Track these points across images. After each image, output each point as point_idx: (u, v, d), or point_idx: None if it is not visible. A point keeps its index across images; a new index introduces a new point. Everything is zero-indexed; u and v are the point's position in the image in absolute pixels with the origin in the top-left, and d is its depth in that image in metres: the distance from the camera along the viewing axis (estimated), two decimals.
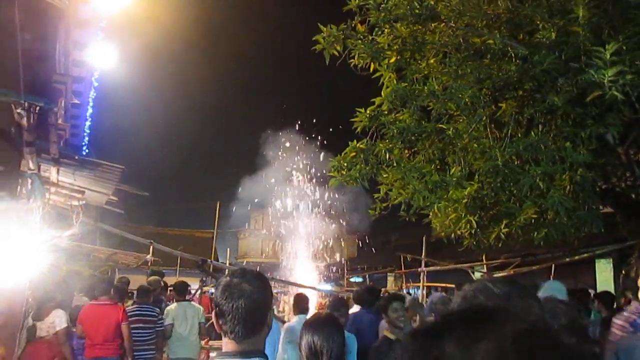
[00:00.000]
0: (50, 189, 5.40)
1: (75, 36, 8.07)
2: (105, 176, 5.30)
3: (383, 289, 19.20)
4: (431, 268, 12.83)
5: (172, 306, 8.73)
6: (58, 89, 7.08)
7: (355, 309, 7.82)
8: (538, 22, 6.16)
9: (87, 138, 11.96)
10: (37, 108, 3.24)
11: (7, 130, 3.26)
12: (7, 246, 3.48)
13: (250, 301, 1.98)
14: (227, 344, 2.02)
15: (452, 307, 1.71)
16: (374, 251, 23.37)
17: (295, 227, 21.42)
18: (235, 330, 1.98)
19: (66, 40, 7.70)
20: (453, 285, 13.45)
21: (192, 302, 9.29)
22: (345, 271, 20.57)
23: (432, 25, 6.59)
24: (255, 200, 23.64)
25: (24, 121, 3.41)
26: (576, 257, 9.34)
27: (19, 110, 3.20)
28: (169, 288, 12.60)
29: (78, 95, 10.90)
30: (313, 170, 21.45)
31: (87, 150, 11.77)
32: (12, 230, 3.40)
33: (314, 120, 21.65)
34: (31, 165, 4.15)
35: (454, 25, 6.49)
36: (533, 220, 6.56)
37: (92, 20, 8.13)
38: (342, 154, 6.84)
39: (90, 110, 11.19)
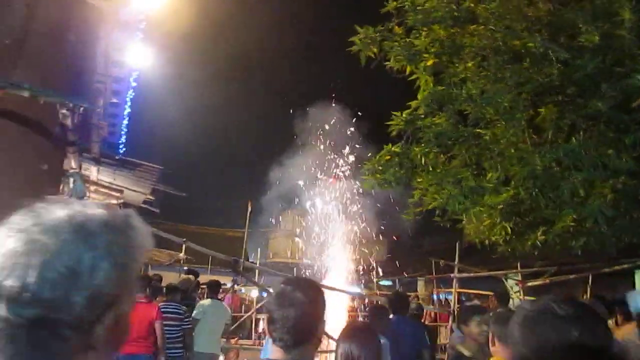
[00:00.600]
0: (90, 188, 5.50)
1: (115, 37, 8.23)
2: (144, 176, 5.38)
3: (413, 294, 19.04)
4: (464, 275, 12.64)
5: (206, 301, 8.81)
6: (98, 89, 7.23)
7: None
8: (580, 26, 6.00)
9: (124, 136, 12.19)
10: (81, 109, 3.31)
11: (51, 129, 3.35)
12: None
13: (301, 311, 1.96)
14: (275, 352, 2.01)
15: (512, 332, 1.59)
16: (404, 255, 23.16)
17: (325, 229, 21.40)
18: (284, 339, 1.96)
19: (106, 41, 7.85)
20: (488, 293, 13.23)
21: (223, 302, 9.37)
22: (375, 274, 20.44)
23: (471, 27, 6.49)
24: (286, 200, 23.72)
25: (68, 121, 3.49)
26: (616, 267, 9.07)
27: (63, 111, 3.27)
28: (202, 286, 12.72)
29: (117, 95, 11.13)
30: (345, 171, 21.40)
31: (124, 148, 12.00)
32: None
33: (353, 120, 21.49)
34: (73, 164, 4.25)
35: (493, 27, 6.37)
36: (571, 228, 6.40)
37: (131, 22, 8.27)
38: (377, 156, 6.79)
39: (127, 110, 11.41)
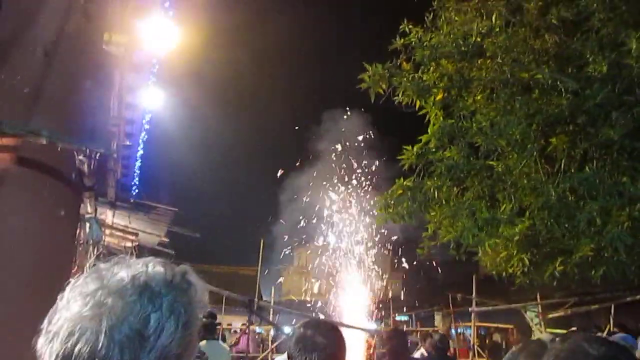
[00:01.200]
0: (106, 231, 5.54)
1: (128, 80, 8.40)
2: (158, 218, 5.42)
3: (432, 329, 18.72)
4: (483, 308, 12.42)
5: (201, 343, 8.63)
6: (112, 132, 7.34)
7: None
8: (588, 56, 6.04)
9: (137, 178, 12.30)
10: (98, 154, 3.37)
11: (68, 175, 3.41)
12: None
13: (324, 355, 1.95)
14: None
15: None
16: (420, 289, 22.91)
17: (339, 265, 21.25)
18: None
19: (120, 84, 8.01)
20: (508, 326, 12.99)
21: (220, 342, 9.21)
22: (391, 309, 20.17)
23: (479, 61, 6.56)
24: (299, 237, 23.65)
25: (85, 167, 3.55)
26: (638, 297, 8.89)
27: (80, 157, 3.33)
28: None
29: (129, 137, 11.27)
30: (356, 207, 21.36)
31: (137, 190, 12.10)
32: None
33: (362, 160, 21.59)
34: (89, 209, 4.30)
35: (500, 61, 6.44)
36: (590, 258, 6.31)
37: (144, 65, 8.45)
38: (389, 191, 6.79)
39: (140, 152, 11.54)
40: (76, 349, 0.85)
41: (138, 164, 12.13)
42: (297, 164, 21.88)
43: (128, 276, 0.93)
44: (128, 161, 12.78)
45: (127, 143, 11.21)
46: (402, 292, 22.77)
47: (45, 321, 0.91)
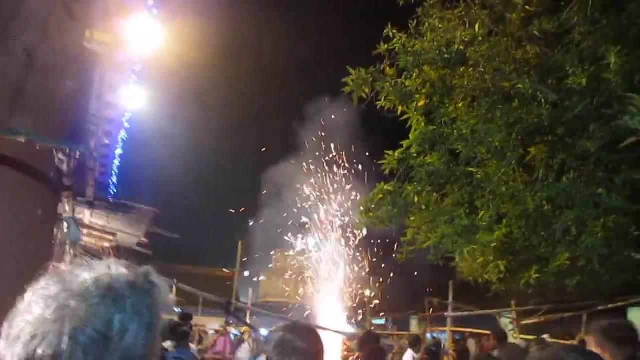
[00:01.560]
0: (83, 231, 5.46)
1: (109, 79, 8.30)
2: (138, 219, 5.35)
3: (407, 333, 18.80)
4: (458, 313, 12.53)
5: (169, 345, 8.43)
6: (90, 130, 7.25)
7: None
8: (568, 68, 6.15)
9: (115, 177, 12.14)
10: (77, 153, 3.32)
11: (47, 174, 3.34)
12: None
13: (303, 358, 1.97)
14: None
15: None
16: (396, 293, 23.01)
17: (317, 268, 21.27)
18: None
19: (100, 83, 7.92)
20: (483, 332, 13.08)
21: (188, 350, 9.03)
22: (368, 313, 20.25)
23: (461, 69, 6.62)
24: (278, 240, 23.62)
25: (64, 166, 3.49)
26: (610, 306, 9.06)
27: (60, 156, 3.27)
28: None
29: (108, 136, 11.13)
30: (336, 210, 21.40)
31: (114, 189, 11.95)
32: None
33: (342, 162, 21.66)
34: (67, 209, 4.22)
35: (482, 69, 6.51)
36: (565, 267, 6.42)
37: (126, 64, 8.36)
38: (370, 195, 6.82)
39: (120, 151, 11.40)
40: (39, 352, 0.85)
41: (116, 163, 12.00)
42: (276, 166, 21.87)
43: (91, 278, 0.93)
44: (106, 160, 12.63)
45: (106, 142, 11.08)
46: (378, 296, 22.86)
47: (5, 325, 0.89)
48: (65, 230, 4.06)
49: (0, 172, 3.09)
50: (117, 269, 0.98)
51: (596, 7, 6.49)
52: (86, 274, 0.94)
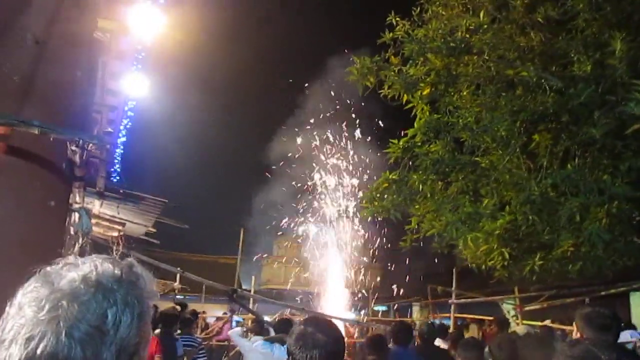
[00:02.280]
0: (92, 221, 5.49)
1: (112, 66, 8.29)
2: (148, 209, 5.38)
3: (409, 319, 18.92)
4: (462, 300, 12.62)
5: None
6: (94, 118, 7.25)
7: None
8: (572, 55, 6.15)
9: (118, 165, 12.17)
10: (90, 145, 3.34)
11: (59, 165, 3.37)
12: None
13: (325, 351, 2.01)
14: None
15: None
16: (398, 280, 23.13)
17: (319, 255, 21.35)
18: None
19: (103, 70, 7.91)
20: (485, 318, 13.18)
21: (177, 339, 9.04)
22: (370, 300, 20.36)
23: (466, 57, 6.61)
24: (280, 227, 23.67)
25: (77, 157, 3.52)
26: (612, 291, 9.13)
27: (73, 147, 3.30)
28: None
29: (111, 124, 11.13)
30: (340, 197, 21.45)
31: (117, 177, 11.97)
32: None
33: (347, 148, 21.68)
34: (78, 199, 4.25)
35: (487, 57, 6.50)
36: (569, 253, 6.46)
37: (129, 51, 8.34)
38: (375, 184, 6.85)
39: (123, 139, 11.41)
40: (38, 352, 0.88)
41: (119, 151, 12.02)
42: (280, 156, 21.85)
43: (79, 277, 0.96)
44: (109, 148, 12.63)
45: (109, 130, 11.08)
46: (381, 283, 22.97)
47: None
48: (77, 220, 4.09)
49: (12, 162, 3.11)
50: (102, 264, 1.01)
51: None
52: (73, 273, 0.97)
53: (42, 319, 0.90)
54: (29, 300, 0.93)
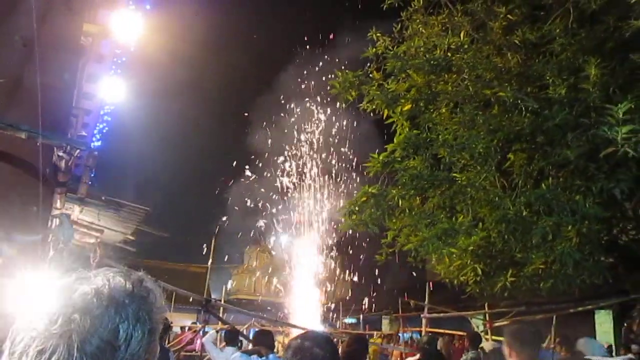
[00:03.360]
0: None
1: (90, 69, 8.19)
2: (129, 216, 5.31)
3: (377, 333, 18.98)
4: (434, 315, 12.72)
5: None
6: (70, 122, 7.14)
7: None
8: (548, 78, 6.32)
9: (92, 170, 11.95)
10: (77, 151, 3.29)
11: (43, 170, 3.30)
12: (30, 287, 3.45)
13: None
14: None
15: None
16: (368, 292, 23.18)
17: (289, 266, 21.28)
18: None
19: (81, 73, 7.82)
20: (456, 332, 13.30)
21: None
22: (340, 312, 20.34)
23: (446, 76, 6.74)
24: (251, 237, 23.55)
25: (62, 163, 3.46)
26: (580, 309, 9.33)
27: (59, 153, 3.24)
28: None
29: (85, 127, 10.96)
30: (310, 210, 21.46)
31: (90, 182, 11.77)
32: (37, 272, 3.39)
33: (318, 160, 21.75)
34: (59, 205, 4.17)
35: (466, 76, 6.64)
36: (540, 270, 6.60)
37: (108, 55, 8.26)
38: (354, 198, 6.89)
39: (98, 143, 11.25)
40: None
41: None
42: (249, 165, 21.81)
43: (91, 290, 0.96)
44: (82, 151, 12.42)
45: (83, 133, 10.91)
46: (352, 295, 22.99)
47: (8, 342, 0.92)
48: (58, 227, 4.01)
49: None
50: (114, 278, 1.01)
51: (575, 18, 6.70)
52: (86, 286, 0.97)
53: (54, 332, 0.90)
54: (41, 314, 0.93)
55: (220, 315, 15.95)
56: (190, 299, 14.68)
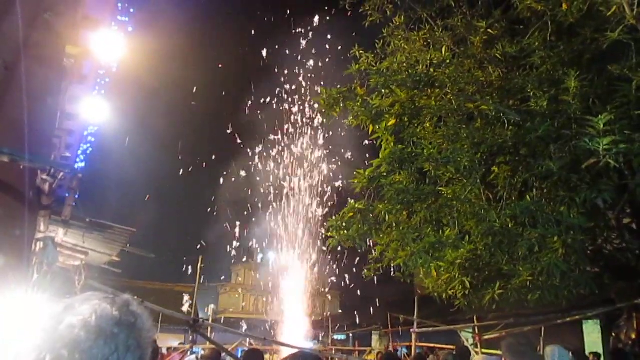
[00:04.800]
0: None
1: (73, 90, 8.15)
2: (114, 238, 5.25)
3: (368, 348, 18.88)
4: (424, 329, 12.69)
5: None
6: (54, 143, 7.08)
7: None
8: (529, 90, 6.41)
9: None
10: (61, 174, 3.25)
11: (26, 194, 3.25)
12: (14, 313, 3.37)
13: None
14: None
15: None
16: (357, 308, 23.08)
17: (277, 283, 21.14)
18: None
19: (64, 94, 7.77)
20: (445, 347, 13.27)
21: None
22: (329, 328, 20.21)
23: (429, 90, 6.81)
24: (238, 255, 23.38)
25: (45, 185, 3.41)
26: (568, 319, 9.36)
27: (43, 176, 3.20)
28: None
29: (68, 148, 10.87)
30: (296, 225, 21.41)
31: (74, 204, 11.64)
32: (19, 296, 3.32)
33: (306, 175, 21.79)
34: (42, 228, 4.11)
35: (449, 91, 6.71)
36: (528, 282, 6.63)
37: (90, 76, 8.23)
38: (341, 213, 6.88)
39: (82, 164, 11.14)
40: None
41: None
42: (240, 183, 21.77)
43: (78, 322, 0.95)
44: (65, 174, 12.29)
45: (67, 155, 10.81)
46: (340, 311, 22.88)
47: None
48: (42, 250, 3.94)
49: None
50: (100, 306, 0.99)
51: (553, 31, 6.83)
52: (72, 318, 0.95)
53: None
54: (28, 349, 0.91)
55: (209, 335, 15.78)
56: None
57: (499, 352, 10.18)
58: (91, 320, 0.95)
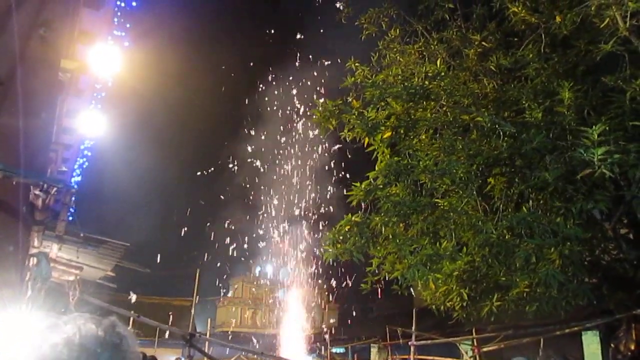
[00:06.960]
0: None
1: (69, 104, 8.17)
2: (109, 253, 5.23)
3: None
4: (423, 342, 12.62)
5: None
6: (50, 158, 7.07)
7: None
8: (524, 102, 6.45)
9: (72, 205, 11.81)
10: (54, 189, 3.25)
11: (19, 209, 3.24)
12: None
13: None
14: None
15: None
16: (355, 321, 22.98)
17: (275, 296, 21.06)
18: None
19: (60, 108, 7.78)
20: None
21: None
22: (328, 342, 20.08)
23: (424, 103, 6.84)
24: (236, 268, 23.32)
25: (39, 201, 3.41)
26: (567, 330, 9.32)
27: (36, 192, 3.20)
28: None
29: (65, 162, 10.87)
30: (294, 238, 21.37)
31: (71, 218, 11.62)
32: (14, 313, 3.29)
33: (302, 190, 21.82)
34: (36, 243, 4.09)
35: (444, 103, 6.75)
36: (525, 294, 6.62)
37: (87, 90, 8.25)
38: (337, 226, 6.87)
39: (78, 178, 11.13)
40: None
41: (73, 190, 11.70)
42: (238, 197, 21.77)
43: (62, 340, 0.94)
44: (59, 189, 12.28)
45: (63, 169, 10.80)
46: (338, 324, 22.77)
47: None
48: (35, 266, 3.92)
49: None
50: (85, 325, 0.98)
51: (547, 43, 6.89)
52: (56, 336, 0.94)
53: None
54: None
55: (206, 349, 15.67)
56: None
57: None
58: (75, 339, 0.94)
